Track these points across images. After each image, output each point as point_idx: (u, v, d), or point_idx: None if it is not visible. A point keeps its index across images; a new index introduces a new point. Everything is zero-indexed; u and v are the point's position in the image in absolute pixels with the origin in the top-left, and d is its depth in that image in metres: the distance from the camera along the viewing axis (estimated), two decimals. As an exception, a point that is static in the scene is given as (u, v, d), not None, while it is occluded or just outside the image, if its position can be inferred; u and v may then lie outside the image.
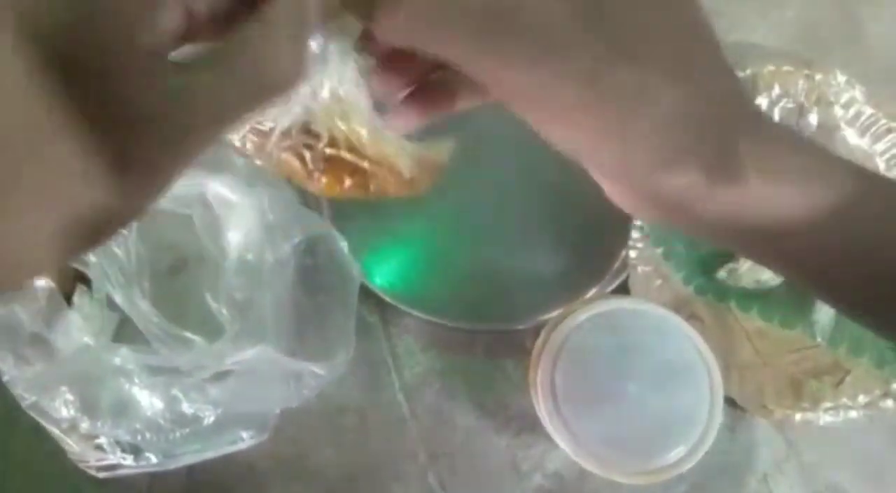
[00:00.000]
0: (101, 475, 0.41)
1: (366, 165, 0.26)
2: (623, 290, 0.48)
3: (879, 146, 0.52)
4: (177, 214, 0.44)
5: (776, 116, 0.52)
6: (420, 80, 0.26)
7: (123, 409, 0.40)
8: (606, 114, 0.20)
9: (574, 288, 0.49)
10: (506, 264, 0.50)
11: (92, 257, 0.40)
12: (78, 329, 0.41)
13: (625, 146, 0.21)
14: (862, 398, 0.46)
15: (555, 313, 0.45)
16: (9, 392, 0.39)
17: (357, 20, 0.23)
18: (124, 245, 0.41)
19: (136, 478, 0.42)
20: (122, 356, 0.39)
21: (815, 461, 0.47)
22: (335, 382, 0.42)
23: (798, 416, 0.46)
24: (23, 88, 0.15)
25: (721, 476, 0.46)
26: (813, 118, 0.52)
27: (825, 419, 0.46)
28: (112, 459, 0.41)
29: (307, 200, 0.48)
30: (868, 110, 0.52)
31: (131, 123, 0.17)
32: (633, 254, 0.48)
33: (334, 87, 0.24)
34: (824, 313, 0.48)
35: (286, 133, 0.25)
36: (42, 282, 0.41)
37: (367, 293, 0.47)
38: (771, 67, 0.52)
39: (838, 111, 0.52)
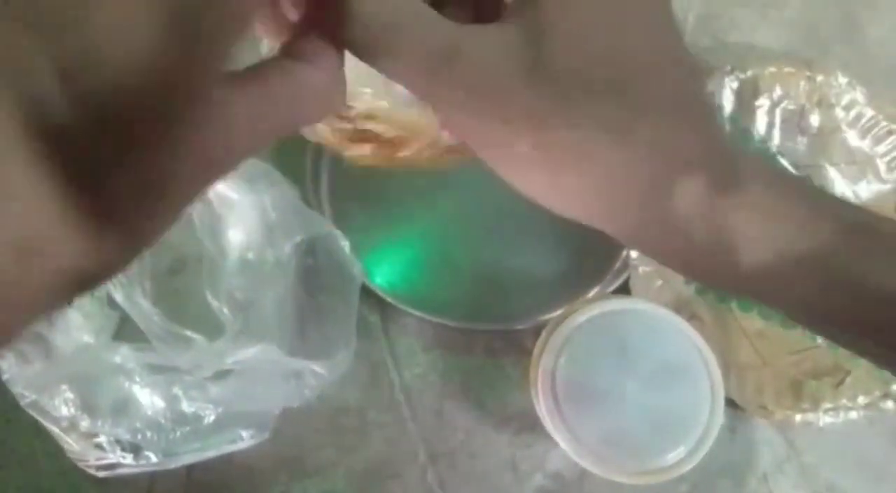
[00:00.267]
0: (101, 473, 0.41)
1: (392, 133, 0.26)
2: (624, 290, 0.48)
3: (880, 148, 0.52)
4: (178, 213, 0.44)
5: (777, 118, 0.53)
6: None
7: (123, 408, 0.40)
8: (551, 167, 0.20)
9: (575, 288, 0.49)
10: (506, 264, 0.50)
11: (93, 256, 0.40)
12: (78, 328, 0.41)
13: (568, 201, 0.21)
14: (862, 399, 0.46)
15: (555, 313, 0.45)
16: (8, 391, 0.39)
17: None
18: (125, 244, 0.41)
19: (136, 477, 0.42)
20: (123, 355, 0.39)
21: (816, 461, 0.47)
22: (335, 381, 0.42)
23: (798, 417, 0.46)
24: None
25: (721, 477, 0.46)
26: (814, 120, 0.53)
27: (825, 419, 0.46)
28: (112, 458, 0.41)
29: (308, 199, 0.48)
30: (869, 112, 0.52)
31: (155, 163, 0.15)
32: (633, 254, 0.48)
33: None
34: (824, 315, 0.48)
35: None
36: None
37: (367, 293, 0.47)
38: (772, 69, 0.52)
39: (839, 113, 0.52)
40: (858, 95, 0.52)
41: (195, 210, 0.43)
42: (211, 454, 0.42)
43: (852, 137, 0.52)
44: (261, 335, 0.40)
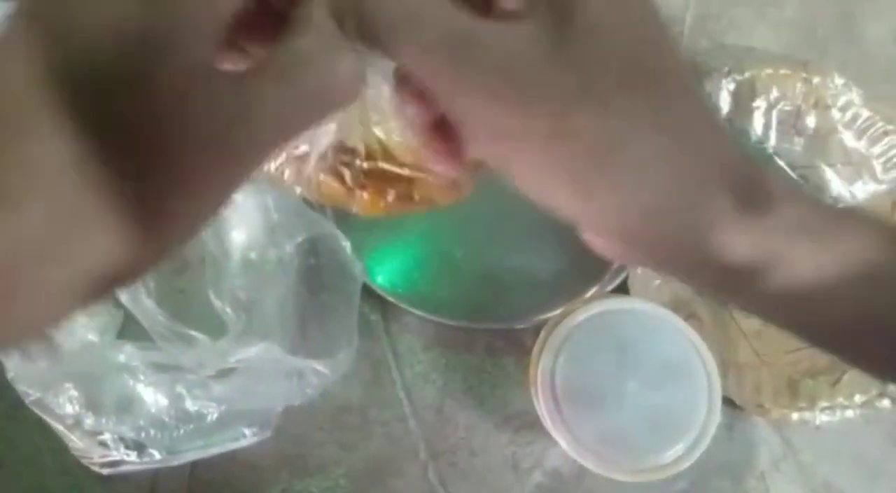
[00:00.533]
0: (105, 471, 0.41)
1: (406, 172, 0.25)
2: (622, 289, 0.49)
3: (876, 149, 0.53)
4: (181, 213, 0.44)
5: (774, 119, 0.53)
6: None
7: (127, 406, 0.40)
8: (570, 161, 0.19)
9: (574, 288, 0.49)
10: (506, 264, 0.50)
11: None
12: (83, 326, 0.41)
13: (589, 208, 0.20)
14: (858, 398, 0.47)
15: (555, 313, 0.45)
16: (13, 389, 0.39)
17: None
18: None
19: (140, 474, 0.43)
20: (127, 353, 0.39)
21: (812, 459, 0.47)
22: (337, 380, 0.43)
23: (795, 415, 0.46)
24: (48, 135, 0.14)
25: (719, 475, 0.47)
26: (810, 121, 0.53)
27: (822, 418, 0.46)
28: (116, 455, 0.41)
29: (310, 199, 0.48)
30: (865, 113, 0.52)
31: (179, 154, 0.15)
32: (632, 254, 0.49)
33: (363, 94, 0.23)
34: (821, 314, 0.48)
35: (323, 155, 0.24)
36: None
37: (369, 292, 0.47)
38: (769, 70, 0.53)
39: (836, 114, 0.53)
40: (855, 96, 0.52)
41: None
42: (214, 451, 0.42)
43: (848, 138, 0.53)
44: (263, 334, 0.40)
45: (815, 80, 0.53)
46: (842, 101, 0.53)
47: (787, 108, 0.53)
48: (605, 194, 0.20)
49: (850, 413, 0.46)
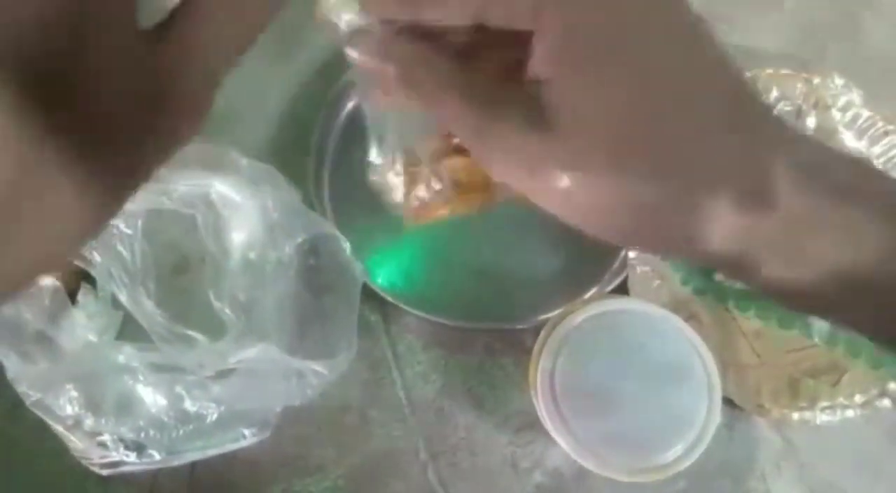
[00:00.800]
0: (105, 472, 0.41)
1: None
2: (622, 290, 0.49)
3: (877, 149, 0.53)
4: (181, 214, 0.44)
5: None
6: None
7: (127, 406, 0.40)
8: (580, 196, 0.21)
9: (573, 288, 0.50)
10: (506, 264, 0.50)
11: (97, 257, 0.41)
12: (82, 327, 0.41)
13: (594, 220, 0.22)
14: (858, 398, 0.47)
15: (554, 313, 0.45)
16: (13, 389, 0.39)
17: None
18: (129, 245, 0.41)
19: (140, 475, 0.43)
20: (126, 354, 0.39)
21: (813, 459, 0.47)
22: (337, 380, 0.43)
23: (795, 415, 0.46)
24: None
25: (719, 475, 0.47)
26: (811, 121, 0.53)
27: (822, 418, 0.46)
28: (115, 456, 0.41)
29: (310, 201, 0.48)
30: (865, 113, 0.52)
31: (133, 115, 0.17)
32: (631, 254, 0.49)
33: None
34: (821, 314, 0.48)
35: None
36: (47, 280, 0.41)
37: (368, 293, 0.47)
38: (769, 71, 0.53)
39: (836, 114, 0.53)
40: (855, 96, 0.52)
41: (199, 212, 0.44)
42: (214, 452, 0.42)
43: (849, 139, 0.53)
44: (263, 335, 0.40)
45: (816, 80, 0.53)
46: (842, 101, 0.53)
47: (788, 108, 0.53)
48: (609, 213, 0.21)
49: (850, 413, 0.46)
